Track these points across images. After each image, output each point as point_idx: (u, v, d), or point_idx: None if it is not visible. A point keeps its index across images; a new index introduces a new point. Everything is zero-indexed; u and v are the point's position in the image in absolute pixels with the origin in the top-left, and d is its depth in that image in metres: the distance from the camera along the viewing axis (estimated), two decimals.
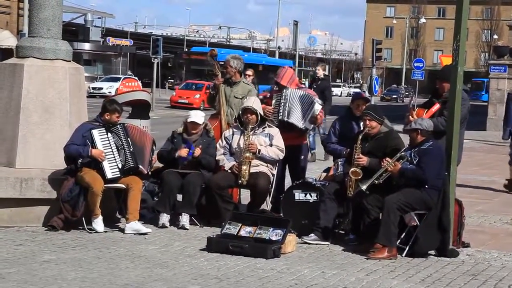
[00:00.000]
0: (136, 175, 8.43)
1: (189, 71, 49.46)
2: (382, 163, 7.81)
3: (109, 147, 8.37)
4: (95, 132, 8.31)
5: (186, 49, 51.91)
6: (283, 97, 9.21)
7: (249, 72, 12.76)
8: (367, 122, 8.15)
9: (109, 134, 8.41)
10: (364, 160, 8.04)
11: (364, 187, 7.76)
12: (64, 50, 9.03)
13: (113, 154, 8.37)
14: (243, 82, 9.88)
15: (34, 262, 6.80)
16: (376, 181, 7.79)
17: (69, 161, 8.29)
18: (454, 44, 8.06)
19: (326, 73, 16.49)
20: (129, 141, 8.49)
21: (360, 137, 8.13)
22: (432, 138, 7.89)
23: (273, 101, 9.33)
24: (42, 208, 8.37)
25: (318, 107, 9.23)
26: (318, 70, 15.07)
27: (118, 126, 8.51)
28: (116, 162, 8.36)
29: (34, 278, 6.26)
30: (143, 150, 8.58)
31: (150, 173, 8.75)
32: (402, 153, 7.80)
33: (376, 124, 8.17)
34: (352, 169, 8.03)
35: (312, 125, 9.39)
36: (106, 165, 8.27)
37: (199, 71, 47.87)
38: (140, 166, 8.46)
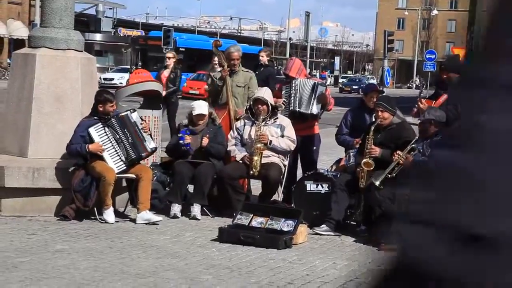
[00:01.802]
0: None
1: (146, 58, 43.84)
2: (394, 157, 7.78)
3: (109, 141, 8.33)
4: (91, 130, 8.26)
5: (144, 33, 46.26)
6: (293, 87, 9.20)
7: (170, 54, 11.85)
8: (380, 113, 8.12)
9: (106, 129, 8.36)
10: (376, 151, 8.02)
11: (377, 183, 7.72)
12: (76, 40, 9.04)
13: (114, 148, 8.35)
14: (242, 70, 9.87)
15: (46, 252, 6.82)
16: (389, 175, 7.77)
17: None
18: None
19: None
20: (126, 132, 8.45)
21: (373, 128, 8.11)
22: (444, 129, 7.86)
23: (283, 92, 9.32)
24: (54, 198, 8.40)
25: (321, 88, 9.19)
26: (262, 56, 13.47)
27: (113, 119, 8.43)
28: (118, 155, 8.35)
29: (47, 267, 6.28)
30: (137, 136, 8.52)
31: (154, 149, 8.78)
32: (413, 145, 7.77)
33: (388, 115, 8.14)
34: (364, 160, 8.01)
35: (322, 110, 9.29)
36: (109, 160, 8.26)
37: (156, 58, 42.25)
38: (143, 154, 8.47)
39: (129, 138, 8.41)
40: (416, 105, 8.57)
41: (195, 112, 8.90)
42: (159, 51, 43.17)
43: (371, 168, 7.95)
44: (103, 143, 8.27)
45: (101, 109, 8.36)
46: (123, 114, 8.59)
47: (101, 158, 8.24)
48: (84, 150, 8.16)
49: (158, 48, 42.66)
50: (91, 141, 8.22)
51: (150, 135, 8.81)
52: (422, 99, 8.64)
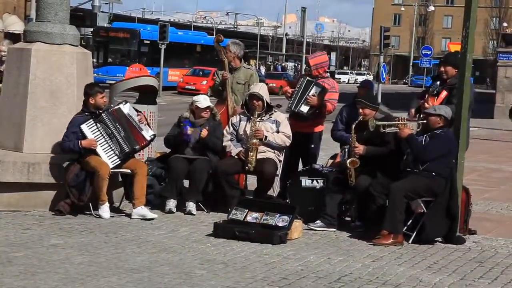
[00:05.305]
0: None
1: (108, 51, 42.59)
2: (398, 118, 7.90)
3: (101, 137, 8.32)
4: (84, 127, 8.25)
5: (106, 25, 43.46)
6: (298, 86, 9.17)
7: (2, 47, 10.44)
8: (360, 110, 8.16)
9: (98, 124, 8.33)
10: (360, 149, 8.05)
11: (377, 122, 7.81)
12: (72, 35, 9.02)
13: (108, 143, 8.33)
14: (244, 67, 9.85)
15: (41, 246, 6.82)
16: (383, 129, 7.82)
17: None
18: (463, 31, 8.01)
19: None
20: (118, 126, 8.42)
21: (354, 126, 8.11)
22: (447, 127, 7.86)
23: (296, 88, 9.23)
24: (49, 193, 8.40)
25: (316, 89, 9.09)
26: (2, 46, 11.00)
27: (103, 114, 8.39)
28: (112, 150, 8.33)
29: (41, 262, 6.29)
30: (133, 127, 8.49)
31: (153, 137, 8.71)
32: (420, 122, 7.81)
33: (369, 111, 8.16)
34: (349, 159, 8.04)
35: (308, 109, 9.12)
36: (103, 155, 8.25)
37: (118, 51, 42.25)
38: (137, 147, 8.46)
39: (121, 132, 8.39)
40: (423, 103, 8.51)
41: (201, 106, 8.85)
42: (121, 44, 42.16)
43: (357, 166, 7.98)
44: (96, 139, 8.26)
45: (92, 102, 8.34)
46: (114, 108, 8.58)
47: (96, 153, 8.23)
48: (77, 146, 8.16)
49: (120, 41, 41.53)
50: (84, 137, 8.21)
51: (148, 124, 8.78)
52: (429, 100, 8.53)
